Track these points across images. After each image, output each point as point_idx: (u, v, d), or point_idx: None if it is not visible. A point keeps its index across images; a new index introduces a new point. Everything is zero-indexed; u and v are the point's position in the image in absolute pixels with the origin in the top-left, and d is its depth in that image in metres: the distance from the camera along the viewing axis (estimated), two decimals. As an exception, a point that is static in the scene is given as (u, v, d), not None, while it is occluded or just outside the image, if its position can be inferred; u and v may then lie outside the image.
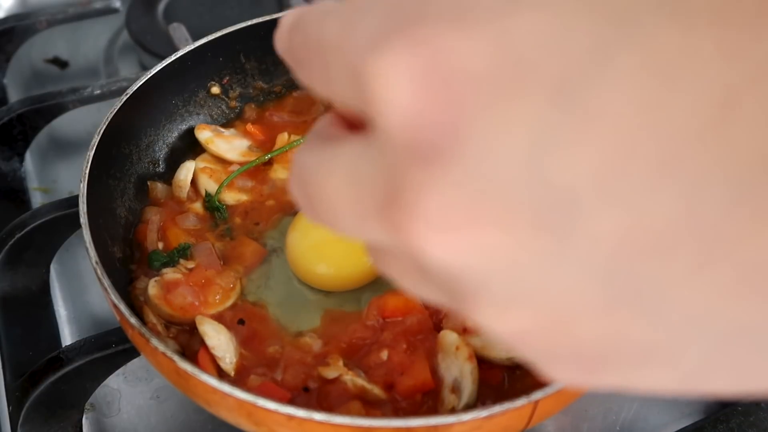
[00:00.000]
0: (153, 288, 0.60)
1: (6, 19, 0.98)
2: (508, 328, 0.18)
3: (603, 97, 0.15)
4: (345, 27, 0.19)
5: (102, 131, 0.63)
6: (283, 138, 0.73)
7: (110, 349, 0.60)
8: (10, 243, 0.69)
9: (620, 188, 0.15)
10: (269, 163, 0.72)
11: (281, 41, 0.23)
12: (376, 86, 0.17)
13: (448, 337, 0.56)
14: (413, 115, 0.17)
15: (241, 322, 0.59)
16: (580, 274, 0.17)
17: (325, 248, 0.64)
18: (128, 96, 0.66)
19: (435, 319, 0.59)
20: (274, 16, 0.76)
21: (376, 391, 0.54)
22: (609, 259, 0.16)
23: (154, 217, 0.67)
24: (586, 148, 0.15)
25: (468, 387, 0.53)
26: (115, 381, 0.65)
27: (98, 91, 0.84)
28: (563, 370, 0.19)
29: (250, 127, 0.75)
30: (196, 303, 0.59)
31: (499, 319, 0.18)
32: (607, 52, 0.15)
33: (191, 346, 0.58)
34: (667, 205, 0.15)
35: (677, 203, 0.15)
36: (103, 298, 0.56)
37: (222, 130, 0.74)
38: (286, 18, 0.23)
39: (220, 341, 0.56)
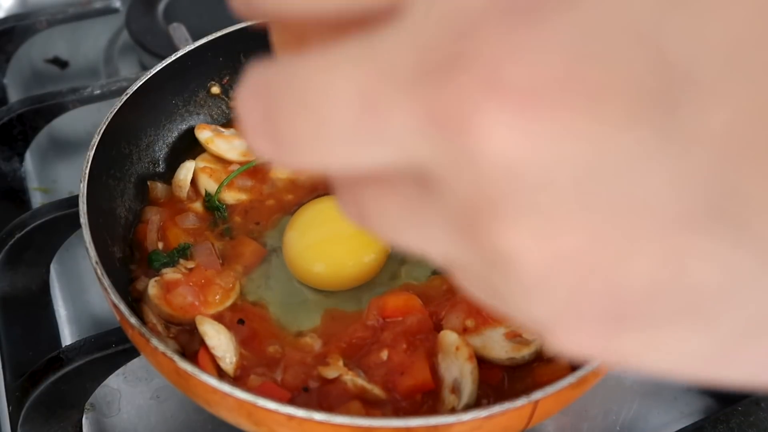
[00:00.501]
0: (153, 288, 0.60)
1: (6, 19, 0.98)
2: (544, 255, 0.15)
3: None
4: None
5: (102, 131, 0.63)
6: (283, 138, 0.73)
7: (110, 349, 0.60)
8: (10, 243, 0.69)
9: (748, 72, 0.12)
10: (269, 163, 0.72)
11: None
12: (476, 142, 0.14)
13: (448, 337, 0.56)
14: None
15: (241, 322, 0.59)
16: (667, 183, 0.13)
17: (322, 247, 0.64)
18: (128, 96, 0.66)
19: (435, 319, 0.59)
20: (274, 16, 0.76)
21: (376, 391, 0.54)
22: (713, 162, 0.13)
23: (154, 217, 0.67)
24: (717, 20, 0.12)
25: (468, 387, 0.53)
26: (115, 381, 0.65)
27: (98, 91, 0.84)
28: (577, 331, 0.16)
29: (250, 127, 0.75)
30: (196, 303, 0.59)
31: (541, 241, 0.15)
32: None
33: (191, 346, 0.58)
34: None
35: None
36: (103, 298, 0.56)
37: (222, 129, 0.74)
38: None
39: (220, 341, 0.56)
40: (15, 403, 0.60)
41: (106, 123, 0.64)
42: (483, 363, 0.56)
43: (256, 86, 0.18)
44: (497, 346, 0.57)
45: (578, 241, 0.14)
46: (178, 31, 0.89)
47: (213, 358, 0.56)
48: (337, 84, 0.15)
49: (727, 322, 0.15)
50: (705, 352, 0.16)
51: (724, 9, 0.12)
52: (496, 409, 0.45)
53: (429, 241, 0.17)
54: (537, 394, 0.47)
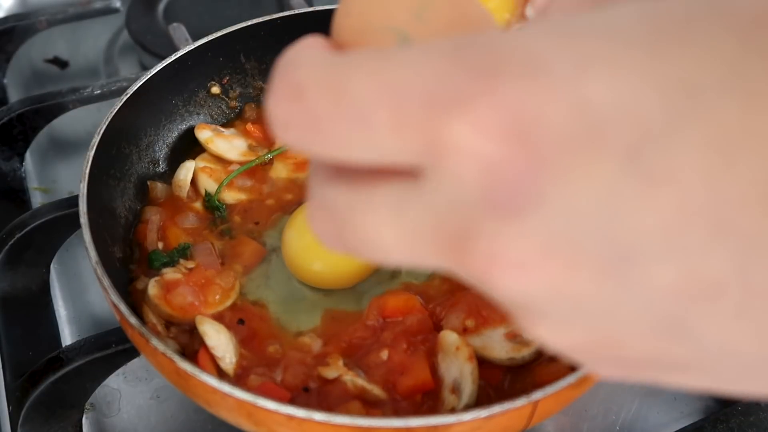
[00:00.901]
0: (153, 288, 0.60)
1: (6, 19, 0.98)
2: (563, 343, 0.21)
3: (669, 166, 0.17)
4: (392, 78, 0.19)
5: (102, 131, 0.63)
6: (283, 138, 0.73)
7: (110, 349, 0.60)
8: (10, 243, 0.69)
9: (680, 245, 0.17)
10: (269, 163, 0.72)
11: (282, 98, 0.21)
12: (454, 137, 0.18)
13: (449, 337, 0.56)
14: (493, 167, 0.18)
15: (241, 321, 0.59)
16: (636, 310, 0.19)
17: (321, 246, 0.64)
18: (128, 96, 0.66)
19: (435, 319, 0.59)
20: (274, 16, 0.76)
21: (376, 391, 0.54)
22: (663, 301, 0.18)
23: (153, 216, 0.67)
24: (652, 210, 0.17)
25: (468, 387, 0.53)
26: (115, 381, 0.65)
27: (98, 91, 0.84)
28: (606, 369, 0.21)
29: (250, 126, 0.75)
30: (196, 303, 0.59)
31: (556, 337, 0.21)
32: (675, 124, 0.17)
33: (191, 346, 0.58)
34: (720, 262, 0.17)
35: (729, 261, 0.17)
36: (103, 298, 0.56)
37: (222, 129, 0.74)
38: (285, 73, 0.22)
39: (220, 341, 0.56)
40: (15, 403, 0.60)
41: (106, 123, 0.64)
42: (483, 363, 0.56)
43: (323, 207, 0.23)
44: (497, 347, 0.57)
45: (581, 340, 0.21)
46: (178, 31, 0.89)
47: (213, 358, 0.56)
48: (380, 227, 0.21)
49: (718, 371, 0.20)
50: (710, 381, 0.21)
51: (657, 204, 0.17)
52: (496, 409, 0.45)
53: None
54: (537, 394, 0.47)
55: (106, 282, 0.52)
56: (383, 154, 0.20)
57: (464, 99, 0.18)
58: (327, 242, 0.24)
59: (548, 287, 0.19)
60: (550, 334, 0.21)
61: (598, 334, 0.20)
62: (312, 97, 0.20)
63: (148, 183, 0.69)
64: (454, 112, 0.18)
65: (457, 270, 0.20)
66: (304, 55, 0.22)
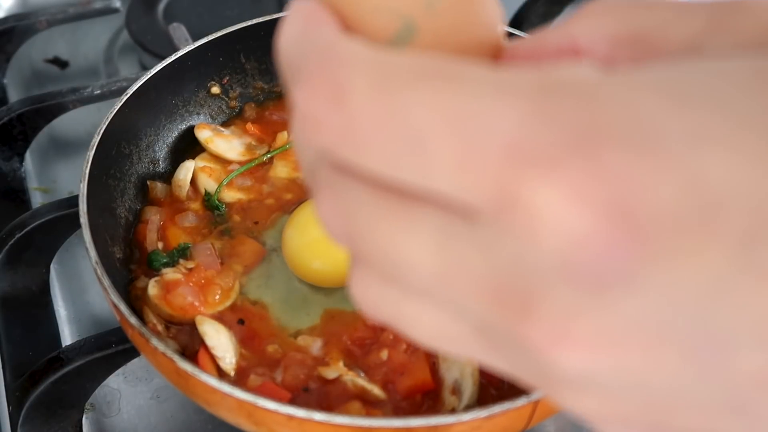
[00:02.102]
0: (153, 288, 0.60)
1: (6, 19, 0.98)
2: (602, 415, 0.19)
3: None
4: (464, 112, 0.17)
5: (102, 131, 0.63)
6: (283, 137, 0.73)
7: (110, 349, 0.60)
8: (10, 243, 0.69)
9: None
10: (269, 162, 0.72)
11: (319, 95, 0.19)
12: (537, 196, 0.17)
13: (448, 337, 0.56)
14: (583, 239, 0.17)
15: (241, 321, 0.59)
16: (708, 391, 0.18)
17: (321, 244, 0.64)
18: (128, 96, 0.66)
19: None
20: (274, 16, 0.76)
21: (376, 391, 0.54)
22: (741, 386, 0.18)
23: (153, 216, 0.67)
24: (758, 304, 0.16)
25: (468, 388, 0.53)
26: (115, 381, 0.65)
27: (98, 91, 0.84)
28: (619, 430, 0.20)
29: (250, 126, 0.75)
30: (196, 303, 0.59)
31: (597, 409, 0.19)
32: None
33: (191, 346, 0.58)
34: None
35: None
36: (103, 298, 0.56)
37: (222, 129, 0.74)
38: (323, 67, 0.20)
39: (220, 341, 0.56)
40: (15, 403, 0.60)
41: (106, 123, 0.64)
42: (483, 363, 0.56)
43: (348, 214, 0.21)
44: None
45: (623, 415, 0.19)
46: (178, 31, 0.89)
47: (213, 358, 0.56)
48: (419, 255, 0.19)
49: None
50: None
51: (761, 296, 0.16)
52: (496, 409, 0.45)
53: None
54: (537, 394, 0.47)
55: (106, 282, 0.52)
56: (434, 185, 0.18)
57: (557, 159, 0.17)
58: (334, 236, 0.22)
59: (618, 368, 0.18)
60: (592, 407, 0.19)
61: (653, 408, 0.19)
62: (358, 106, 0.19)
63: (148, 183, 0.69)
64: (541, 170, 0.17)
65: (499, 324, 0.19)
66: (340, 47, 0.20)
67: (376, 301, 0.22)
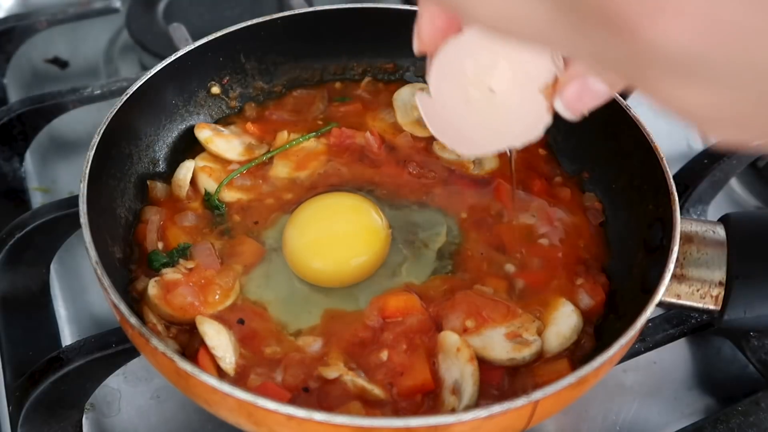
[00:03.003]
0: (153, 288, 0.60)
1: (6, 19, 0.98)
2: (702, 109, 0.18)
3: None
4: None
5: (102, 131, 0.63)
6: (282, 136, 0.73)
7: (110, 349, 0.60)
8: (10, 243, 0.69)
9: None
10: (269, 162, 0.72)
11: None
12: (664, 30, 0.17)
13: (449, 338, 0.56)
14: None
15: (241, 321, 0.59)
16: None
17: (322, 244, 0.64)
18: (128, 96, 0.66)
19: (435, 319, 0.59)
20: (274, 16, 0.76)
21: (376, 391, 0.54)
22: None
23: (153, 216, 0.67)
24: None
25: (468, 389, 0.53)
26: (115, 381, 0.65)
27: (98, 91, 0.84)
28: (727, 130, 0.19)
29: (249, 125, 0.75)
30: (196, 303, 0.59)
31: (699, 102, 0.18)
32: None
33: (191, 346, 0.58)
34: None
35: None
36: (103, 298, 0.56)
37: (222, 129, 0.74)
38: None
39: (220, 341, 0.56)
40: (15, 403, 0.60)
41: (106, 123, 0.64)
42: (483, 363, 0.56)
43: None
44: (498, 347, 0.57)
45: (727, 100, 0.18)
46: (178, 31, 0.89)
47: (213, 358, 0.56)
48: None
49: None
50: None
51: None
52: (496, 409, 0.45)
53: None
54: (537, 394, 0.47)
55: (106, 282, 0.52)
56: None
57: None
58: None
59: (728, 41, 0.17)
60: (699, 98, 0.18)
61: (743, 92, 0.18)
62: None
63: (148, 182, 0.69)
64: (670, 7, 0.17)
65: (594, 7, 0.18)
66: None
67: None
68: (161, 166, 0.72)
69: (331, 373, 0.55)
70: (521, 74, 0.43)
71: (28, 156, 0.85)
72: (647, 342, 0.65)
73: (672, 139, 0.86)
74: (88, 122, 0.89)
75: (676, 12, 0.17)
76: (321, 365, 0.56)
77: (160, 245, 0.65)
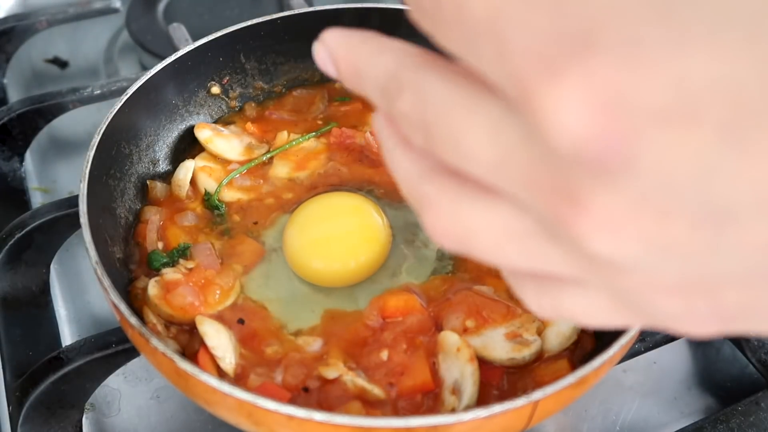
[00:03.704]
0: (153, 288, 0.60)
1: (6, 19, 0.98)
2: (655, 292, 0.22)
3: (764, 140, 0.18)
4: (502, 18, 0.20)
5: (102, 131, 0.63)
6: (282, 136, 0.73)
7: (110, 349, 0.60)
8: (10, 243, 0.69)
9: None
10: (269, 162, 0.72)
11: None
12: (550, 104, 0.19)
13: (449, 338, 0.56)
14: (588, 137, 0.19)
15: (241, 321, 0.59)
16: (730, 260, 0.20)
17: (322, 243, 0.64)
18: (128, 96, 0.66)
19: (435, 319, 0.59)
20: (274, 16, 0.76)
21: (376, 391, 0.54)
22: (754, 255, 0.20)
23: (153, 216, 0.67)
24: (746, 177, 0.19)
25: (469, 389, 0.53)
26: (115, 381, 0.65)
27: (98, 91, 0.84)
28: (701, 322, 0.23)
29: (249, 125, 0.75)
30: (196, 303, 0.59)
31: (647, 287, 0.22)
32: None
33: (191, 346, 0.58)
34: None
35: None
36: (103, 298, 0.56)
37: (222, 129, 0.74)
38: None
39: (220, 341, 0.56)
40: (15, 403, 0.60)
41: (106, 123, 0.64)
42: (483, 363, 0.56)
43: (417, 86, 0.25)
44: (497, 347, 0.57)
45: (674, 290, 0.22)
46: (178, 31, 0.89)
47: (213, 358, 0.56)
48: (476, 134, 0.23)
49: None
50: None
51: (752, 172, 0.18)
52: (496, 409, 0.45)
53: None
54: (537, 394, 0.47)
55: (106, 282, 0.52)
56: (483, 67, 0.22)
57: (560, 64, 0.19)
58: (407, 127, 0.24)
59: (640, 240, 0.20)
60: (642, 286, 0.22)
61: (690, 279, 0.21)
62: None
63: (148, 183, 0.69)
64: (547, 74, 0.19)
65: (542, 209, 0.21)
66: None
67: (447, 221, 0.25)
68: (161, 166, 0.72)
69: (330, 372, 0.55)
70: None
71: (28, 156, 0.85)
72: (647, 342, 0.65)
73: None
74: (88, 122, 0.90)
75: (599, 226, 0.20)
76: (321, 365, 0.56)
77: (160, 245, 0.65)
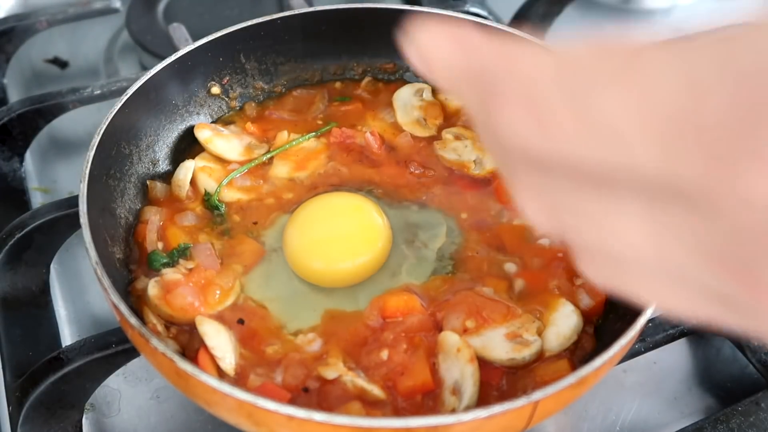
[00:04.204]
0: (153, 288, 0.60)
1: (6, 19, 0.98)
2: None
3: None
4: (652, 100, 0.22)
5: (102, 131, 0.63)
6: (282, 136, 0.73)
7: (110, 349, 0.60)
8: (10, 243, 0.69)
9: None
10: (269, 162, 0.72)
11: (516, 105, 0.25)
12: (746, 181, 0.20)
13: (450, 338, 0.56)
14: None
15: (241, 321, 0.59)
16: None
17: (323, 243, 0.64)
18: (128, 96, 0.66)
19: (435, 319, 0.59)
20: (274, 16, 0.76)
21: (376, 391, 0.54)
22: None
23: (153, 216, 0.67)
24: None
25: (469, 389, 0.53)
26: (115, 381, 0.65)
27: (98, 91, 0.84)
28: None
29: (249, 125, 0.75)
30: (196, 303, 0.59)
31: None
32: None
33: (191, 346, 0.58)
34: None
35: None
36: (103, 298, 0.56)
37: (222, 129, 0.74)
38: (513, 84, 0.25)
39: (220, 341, 0.56)
40: (15, 403, 0.60)
41: (106, 123, 0.64)
42: (483, 363, 0.56)
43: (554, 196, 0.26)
44: (498, 347, 0.57)
45: None
46: (178, 31, 0.89)
47: (213, 358, 0.56)
48: (630, 231, 0.23)
49: None
50: None
51: None
52: (496, 409, 0.45)
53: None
54: (537, 394, 0.46)
55: (106, 282, 0.52)
56: (635, 165, 0.22)
57: (758, 148, 0.20)
58: (539, 222, 0.25)
59: None
60: None
61: None
62: (555, 111, 0.23)
63: (148, 183, 0.69)
64: (745, 158, 0.20)
65: (726, 287, 0.22)
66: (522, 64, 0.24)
67: (608, 275, 0.26)
68: (161, 166, 0.72)
69: (330, 373, 0.55)
70: None
71: (28, 156, 0.85)
72: (647, 342, 0.65)
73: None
74: (88, 122, 0.90)
75: None
76: (321, 365, 0.56)
77: (160, 245, 0.65)
